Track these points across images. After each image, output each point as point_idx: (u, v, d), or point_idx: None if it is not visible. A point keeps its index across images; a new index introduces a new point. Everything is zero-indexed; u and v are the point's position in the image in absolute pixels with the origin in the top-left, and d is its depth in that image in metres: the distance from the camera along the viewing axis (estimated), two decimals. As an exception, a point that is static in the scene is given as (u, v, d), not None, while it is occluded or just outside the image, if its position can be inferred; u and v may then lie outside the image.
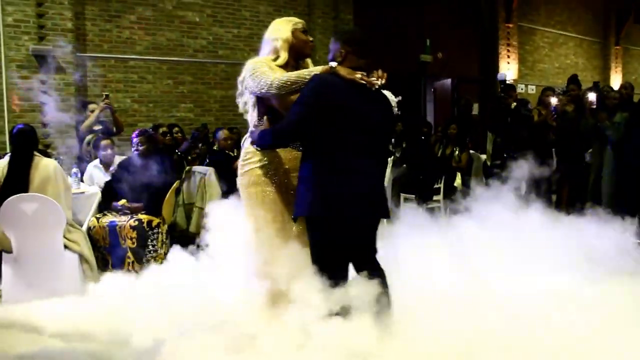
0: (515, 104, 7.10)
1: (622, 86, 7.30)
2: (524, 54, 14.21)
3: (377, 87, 2.86)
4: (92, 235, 4.54)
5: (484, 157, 7.88)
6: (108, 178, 5.22)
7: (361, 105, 2.81)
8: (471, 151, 7.76)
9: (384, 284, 2.87)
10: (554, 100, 7.19)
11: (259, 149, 3.03)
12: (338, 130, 2.76)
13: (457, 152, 7.41)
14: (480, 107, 12.38)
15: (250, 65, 3.04)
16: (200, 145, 6.85)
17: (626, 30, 17.46)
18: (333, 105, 2.75)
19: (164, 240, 4.71)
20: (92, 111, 6.36)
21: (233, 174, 5.95)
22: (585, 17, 16.35)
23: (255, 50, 9.43)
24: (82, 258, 4.30)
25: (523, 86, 13.70)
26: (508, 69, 13.50)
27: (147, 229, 4.56)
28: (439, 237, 3.95)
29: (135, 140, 4.87)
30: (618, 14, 16.93)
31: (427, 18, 12.09)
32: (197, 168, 5.72)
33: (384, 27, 10.49)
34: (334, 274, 2.78)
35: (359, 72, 2.81)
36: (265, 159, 3.09)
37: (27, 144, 4.26)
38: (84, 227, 4.58)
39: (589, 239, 3.85)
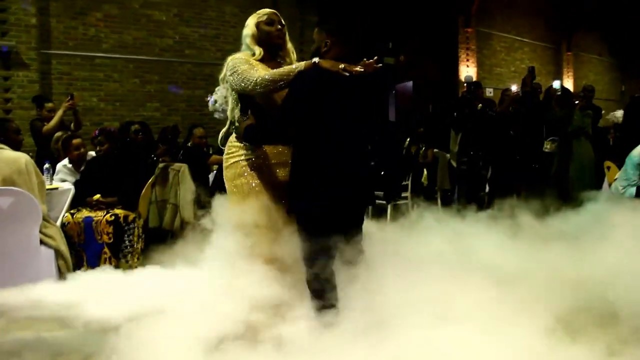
0: (481, 105, 7.30)
1: (584, 89, 7.64)
2: (481, 57, 14.61)
3: (362, 72, 2.85)
4: (66, 232, 4.47)
5: (448, 155, 8.07)
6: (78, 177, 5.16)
7: (348, 96, 2.87)
8: (435, 150, 7.94)
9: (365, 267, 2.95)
10: (514, 89, 7.45)
11: (246, 143, 3.08)
12: (328, 123, 2.83)
13: (422, 149, 7.59)
14: (441, 109, 12.67)
15: (230, 62, 3.05)
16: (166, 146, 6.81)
17: (577, 37, 18.17)
18: (321, 101, 2.81)
19: (140, 235, 4.68)
20: (50, 110, 6.18)
21: (207, 170, 6.01)
22: (540, 24, 16.92)
23: (221, 50, 9.49)
24: (58, 254, 4.23)
25: (481, 89, 14.10)
26: (467, 72, 13.86)
27: (124, 223, 4.53)
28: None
29: (95, 140, 4.85)
30: (570, 22, 17.58)
31: (389, 21, 12.31)
32: (171, 164, 5.69)
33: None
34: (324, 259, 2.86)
35: (341, 63, 2.85)
36: (250, 152, 3.11)
37: None
38: (58, 223, 4.50)
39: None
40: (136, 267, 4.62)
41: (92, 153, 5.42)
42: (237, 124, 3.15)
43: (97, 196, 4.62)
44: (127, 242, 4.57)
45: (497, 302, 2.93)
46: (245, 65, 3.00)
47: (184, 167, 5.56)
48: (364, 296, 2.79)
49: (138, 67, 8.48)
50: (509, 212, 3.95)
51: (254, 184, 3.08)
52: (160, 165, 5.78)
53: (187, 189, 5.47)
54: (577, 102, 6.45)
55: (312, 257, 2.87)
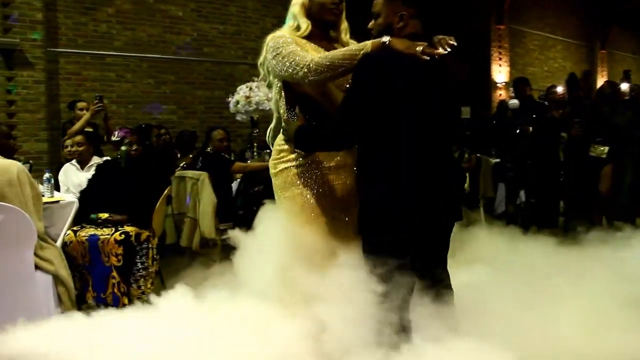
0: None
1: (630, 88, 6.98)
2: (514, 56, 13.82)
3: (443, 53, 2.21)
4: (68, 252, 3.82)
5: (492, 160, 7.39)
6: (83, 175, 4.57)
7: (427, 86, 2.21)
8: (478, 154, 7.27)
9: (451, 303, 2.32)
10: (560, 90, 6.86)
11: (298, 150, 2.49)
12: (402, 120, 2.18)
13: (467, 154, 6.92)
14: (472, 110, 11.93)
15: (271, 42, 2.46)
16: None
17: (611, 35, 17.39)
18: (394, 92, 2.15)
19: (155, 256, 4.01)
20: (82, 109, 5.57)
21: (229, 178, 5.33)
22: (573, 21, 16.15)
23: (242, 48, 8.86)
24: (57, 280, 3.57)
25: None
26: (499, 72, 13.08)
27: (136, 243, 3.86)
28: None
29: (126, 140, 4.18)
30: (603, 19, 16.82)
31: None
32: (188, 173, 5.03)
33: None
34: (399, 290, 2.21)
35: (420, 44, 2.19)
36: (303, 156, 2.53)
37: None
38: (59, 243, 3.84)
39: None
40: (150, 292, 3.96)
41: (98, 159, 4.80)
42: (284, 124, 2.55)
43: (105, 215, 3.97)
44: (139, 264, 3.89)
45: None
46: (291, 45, 2.40)
47: (203, 176, 4.88)
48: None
49: (152, 66, 7.89)
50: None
51: (309, 196, 2.49)
52: (177, 173, 5.12)
53: (207, 201, 4.80)
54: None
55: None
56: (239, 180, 5.25)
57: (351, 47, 2.33)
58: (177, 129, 7.51)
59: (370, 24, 2.38)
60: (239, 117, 6.13)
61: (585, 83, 6.68)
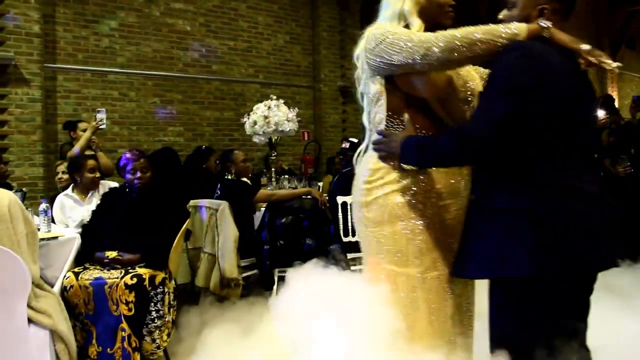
0: None
1: None
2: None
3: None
4: (68, 299, 3.19)
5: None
6: (85, 209, 3.98)
7: (582, 92, 1.74)
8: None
9: None
10: (601, 114, 6.35)
11: (407, 167, 1.88)
12: (558, 132, 1.65)
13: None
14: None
15: (375, 31, 1.91)
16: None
17: (619, 55, 17.17)
18: (554, 93, 1.64)
19: (172, 302, 3.37)
20: (84, 131, 5.00)
21: (251, 208, 4.71)
22: (583, 40, 15.88)
23: (253, 66, 8.30)
24: (56, 335, 2.94)
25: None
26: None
27: (150, 287, 3.22)
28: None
29: (131, 164, 3.56)
30: (612, 39, 16.63)
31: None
32: (205, 202, 4.42)
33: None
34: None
35: (583, 42, 1.76)
36: (408, 178, 1.93)
37: None
38: (57, 288, 3.21)
39: None
40: (166, 346, 3.32)
41: (110, 183, 4.21)
42: (380, 137, 1.92)
43: (113, 254, 3.33)
44: (153, 313, 3.25)
45: None
46: (400, 30, 1.87)
47: (223, 205, 4.28)
48: None
49: (158, 84, 7.31)
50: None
51: (416, 230, 1.90)
52: (192, 203, 4.51)
53: (228, 234, 4.18)
54: None
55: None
56: (263, 209, 4.62)
57: (492, 26, 1.78)
58: (185, 151, 6.94)
59: (502, 13, 1.87)
60: (256, 139, 5.57)
61: (634, 110, 6.19)
